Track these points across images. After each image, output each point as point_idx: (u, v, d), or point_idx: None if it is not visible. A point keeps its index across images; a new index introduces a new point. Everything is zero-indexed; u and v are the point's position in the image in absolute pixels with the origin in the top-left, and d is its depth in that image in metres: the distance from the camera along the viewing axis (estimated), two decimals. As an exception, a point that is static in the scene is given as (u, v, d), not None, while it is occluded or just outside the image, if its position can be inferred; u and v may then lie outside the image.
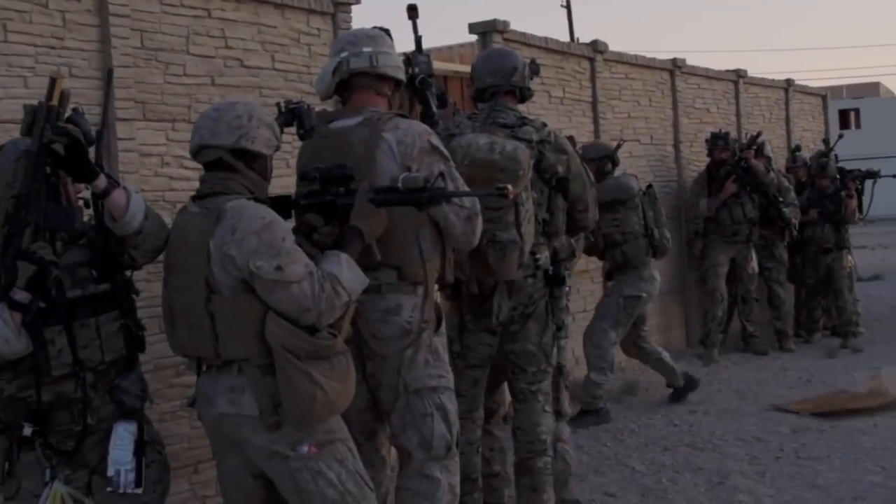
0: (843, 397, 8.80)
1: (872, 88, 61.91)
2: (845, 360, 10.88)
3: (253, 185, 4.05)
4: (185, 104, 6.17)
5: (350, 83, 4.53)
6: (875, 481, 6.54)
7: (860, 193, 12.58)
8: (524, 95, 5.66)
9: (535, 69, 5.67)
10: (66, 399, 3.92)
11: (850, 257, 12.11)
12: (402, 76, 4.61)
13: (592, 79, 10.37)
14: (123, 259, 4.11)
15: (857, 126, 54.77)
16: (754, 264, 11.31)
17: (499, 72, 5.57)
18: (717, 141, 11.28)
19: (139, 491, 4.01)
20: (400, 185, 4.01)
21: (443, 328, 4.52)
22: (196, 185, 5.92)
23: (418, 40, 4.89)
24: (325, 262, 3.83)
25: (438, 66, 8.28)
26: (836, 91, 55.36)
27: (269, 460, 3.90)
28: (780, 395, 9.14)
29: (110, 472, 3.96)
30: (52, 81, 3.82)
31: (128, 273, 4.21)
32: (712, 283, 11.12)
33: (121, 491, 3.96)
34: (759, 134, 11.36)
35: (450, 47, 9.44)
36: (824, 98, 15.87)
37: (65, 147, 3.81)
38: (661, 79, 11.65)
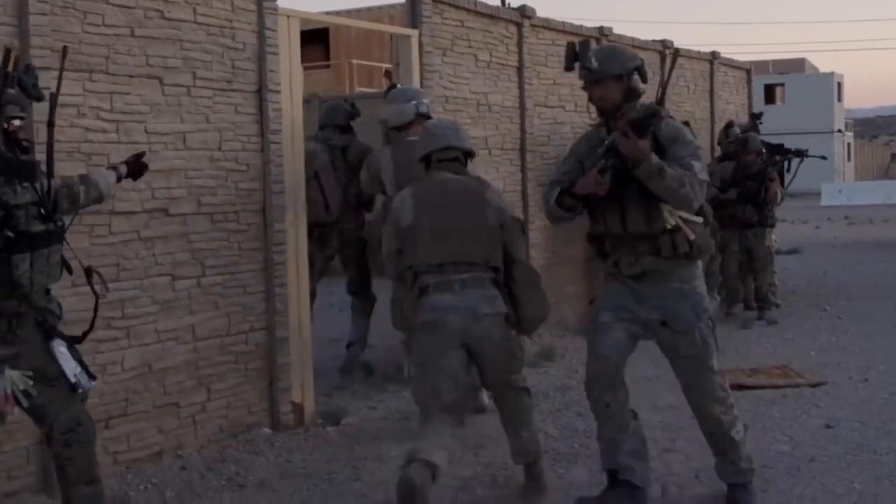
0: (754, 373, 8.87)
1: (798, 64, 62.69)
2: (759, 331, 11.05)
3: None
4: (103, 55, 6.07)
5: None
6: (782, 450, 6.64)
7: (784, 171, 12.64)
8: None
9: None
10: (8, 312, 4.57)
11: (773, 236, 12.07)
12: None
13: (519, 44, 10.37)
14: (63, 205, 4.83)
15: (783, 101, 55.45)
16: None
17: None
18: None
19: (94, 383, 4.87)
20: None
21: None
22: (112, 136, 5.91)
23: None
24: None
25: (368, 26, 8.26)
26: (762, 66, 56.00)
27: None
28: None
29: (73, 380, 4.72)
30: (7, 52, 4.50)
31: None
32: None
33: (86, 388, 4.79)
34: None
35: (380, 7, 9.39)
36: (748, 72, 16.01)
37: None
38: (588, 47, 11.64)
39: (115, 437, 6.14)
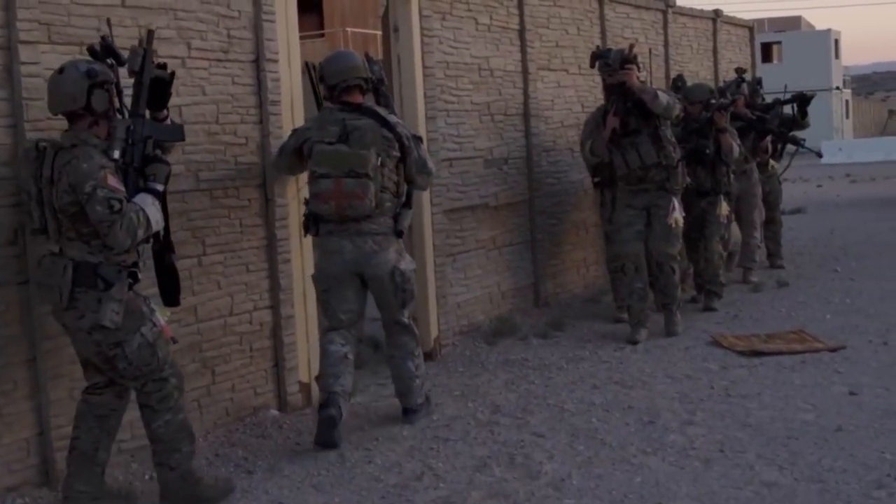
0: (770, 339, 8.66)
1: (794, 22, 62.44)
2: (772, 294, 10.82)
3: None
4: (93, 27, 5.79)
5: None
6: (807, 419, 6.43)
7: (777, 129, 11.77)
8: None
9: None
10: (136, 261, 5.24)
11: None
12: None
13: (520, 6, 10.11)
14: None
15: (780, 59, 55.20)
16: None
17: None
18: (595, 61, 9.26)
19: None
20: None
21: None
22: (105, 113, 5.63)
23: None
24: None
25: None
26: (759, 24, 55.64)
27: None
28: (707, 331, 9.05)
29: None
30: (150, 33, 5.24)
31: None
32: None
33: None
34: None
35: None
36: (751, 30, 15.82)
37: (163, 80, 5.33)
38: (590, 7, 11.42)
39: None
